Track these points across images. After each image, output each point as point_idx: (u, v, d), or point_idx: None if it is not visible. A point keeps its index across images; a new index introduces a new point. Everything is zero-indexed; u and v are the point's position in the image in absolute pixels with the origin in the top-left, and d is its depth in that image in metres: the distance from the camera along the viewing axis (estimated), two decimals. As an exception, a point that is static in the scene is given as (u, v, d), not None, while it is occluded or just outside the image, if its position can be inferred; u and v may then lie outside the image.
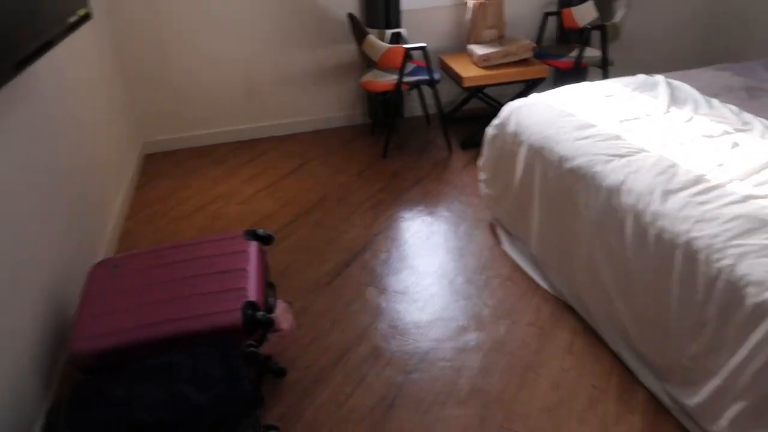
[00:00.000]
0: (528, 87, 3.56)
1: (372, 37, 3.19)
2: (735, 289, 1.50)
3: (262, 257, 1.93)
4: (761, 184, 1.79)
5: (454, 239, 2.63)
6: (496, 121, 2.57)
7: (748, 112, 2.27)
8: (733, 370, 1.51)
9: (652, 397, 1.80)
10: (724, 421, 1.53)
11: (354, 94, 3.87)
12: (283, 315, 1.83)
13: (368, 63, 3.50)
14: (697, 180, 1.84)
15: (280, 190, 3.12)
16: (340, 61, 3.74)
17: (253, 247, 1.90)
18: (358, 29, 3.26)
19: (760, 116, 2.23)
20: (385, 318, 2.17)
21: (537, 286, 2.30)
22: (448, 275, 2.39)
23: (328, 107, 3.87)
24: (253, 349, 1.60)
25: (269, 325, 1.68)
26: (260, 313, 1.65)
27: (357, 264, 2.48)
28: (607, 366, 1.93)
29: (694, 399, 1.64)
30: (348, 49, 3.70)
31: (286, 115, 3.81)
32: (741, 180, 1.82)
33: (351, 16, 3.28)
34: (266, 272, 1.95)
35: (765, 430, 1.42)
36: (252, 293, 1.70)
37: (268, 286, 1.92)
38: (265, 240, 1.96)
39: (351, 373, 1.94)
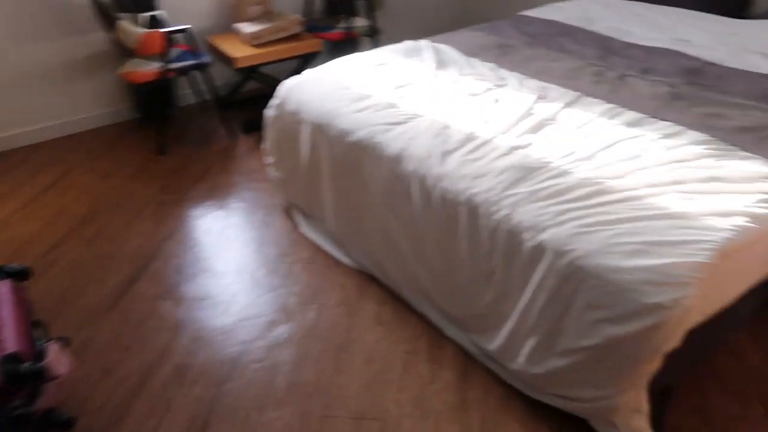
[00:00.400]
0: (304, 62, 3.50)
1: (124, 23, 2.86)
2: (514, 236, 1.60)
3: (20, 296, 1.63)
4: (522, 134, 1.93)
5: (250, 230, 2.50)
6: (274, 102, 2.47)
7: (503, 67, 2.45)
8: (522, 310, 1.62)
9: (460, 349, 1.89)
10: (521, 357, 1.65)
11: (115, 88, 3.47)
12: (57, 358, 1.56)
13: (126, 52, 3.15)
14: (469, 138, 1.92)
15: (40, 208, 2.70)
16: (92, 52, 3.32)
17: (4, 287, 1.58)
18: (104, 15, 2.90)
19: (512, 71, 2.42)
20: (186, 330, 1.99)
21: (339, 263, 2.28)
22: (249, 269, 2.27)
23: (85, 106, 3.42)
24: (21, 410, 1.34)
25: (40, 375, 1.42)
26: (25, 365, 1.38)
27: (145, 276, 2.24)
28: (415, 329, 1.98)
29: (495, 343, 1.75)
30: (99, 38, 3.29)
31: (36, 120, 3.29)
32: (505, 133, 1.94)
33: (94, 1, 2.90)
34: (29, 313, 1.65)
35: (556, 358, 1.55)
36: (11, 343, 1.41)
37: (34, 327, 1.62)
38: (19, 275, 1.65)
39: (155, 400, 1.74)
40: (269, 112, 2.49)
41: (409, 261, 1.98)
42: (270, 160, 2.58)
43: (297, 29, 3.44)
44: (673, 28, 2.79)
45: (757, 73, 2.29)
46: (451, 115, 2.07)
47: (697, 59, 2.44)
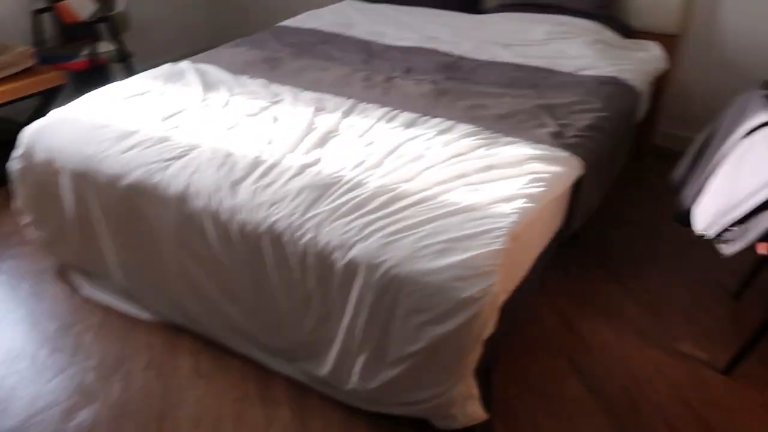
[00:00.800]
0: (46, 100, 3.06)
1: None
2: (324, 258, 1.57)
3: None
4: (309, 150, 1.90)
5: (17, 305, 2.12)
6: (18, 151, 2.11)
7: (274, 83, 2.39)
8: (346, 330, 1.60)
9: (292, 382, 1.81)
10: (354, 376, 1.63)
11: None
12: None
13: None
14: (256, 163, 1.84)
15: None
16: None
17: None
18: None
19: (285, 85, 2.37)
20: (-44, 450, 1.62)
21: (139, 320, 2.04)
22: (27, 353, 1.92)
23: None
24: None
25: None
26: None
27: None
28: (240, 373, 1.85)
29: (325, 367, 1.70)
30: None
31: None
32: (292, 152, 1.90)
33: None
34: None
35: (388, 369, 1.56)
36: None
37: None
38: None
39: None
40: (13, 164, 2.13)
41: (219, 302, 1.84)
42: (27, 219, 2.21)
43: (28, 62, 2.99)
44: (422, 27, 2.99)
45: (501, 62, 2.55)
46: (232, 140, 1.96)
47: (449, 55, 2.65)
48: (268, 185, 1.75)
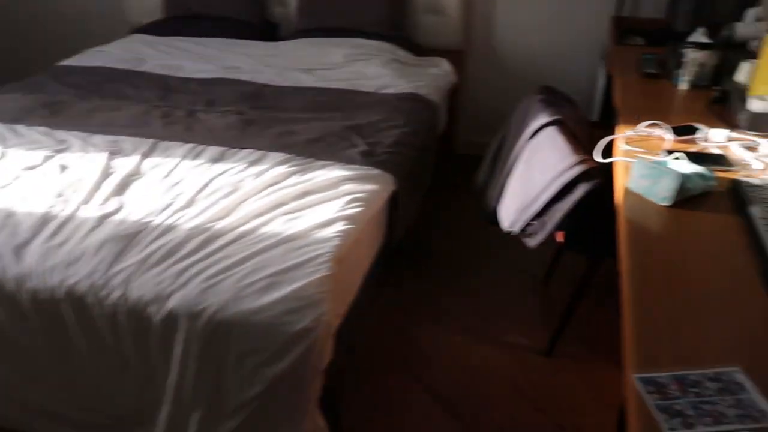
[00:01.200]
0: None
1: None
2: (137, 315, 1.42)
3: None
4: (107, 199, 1.72)
5: None
6: None
7: (58, 129, 2.15)
8: (175, 389, 1.46)
9: (119, 459, 1.61)
10: (191, 437, 1.50)
11: None
12: None
13: None
14: (44, 220, 1.62)
15: None
16: None
17: None
18: None
19: (71, 130, 2.14)
20: None
21: None
22: None
23: None
24: None
25: None
26: None
27: None
28: (54, 462, 1.60)
29: (156, 435, 1.54)
30: None
31: None
32: (87, 203, 1.71)
33: None
34: None
35: (228, 421, 1.45)
36: None
37: None
38: None
39: None
40: None
41: (16, 386, 1.58)
42: None
43: None
44: (220, 57, 2.89)
45: (305, 87, 2.56)
46: (11, 198, 1.72)
47: (252, 83, 2.59)
48: (62, 243, 1.55)
